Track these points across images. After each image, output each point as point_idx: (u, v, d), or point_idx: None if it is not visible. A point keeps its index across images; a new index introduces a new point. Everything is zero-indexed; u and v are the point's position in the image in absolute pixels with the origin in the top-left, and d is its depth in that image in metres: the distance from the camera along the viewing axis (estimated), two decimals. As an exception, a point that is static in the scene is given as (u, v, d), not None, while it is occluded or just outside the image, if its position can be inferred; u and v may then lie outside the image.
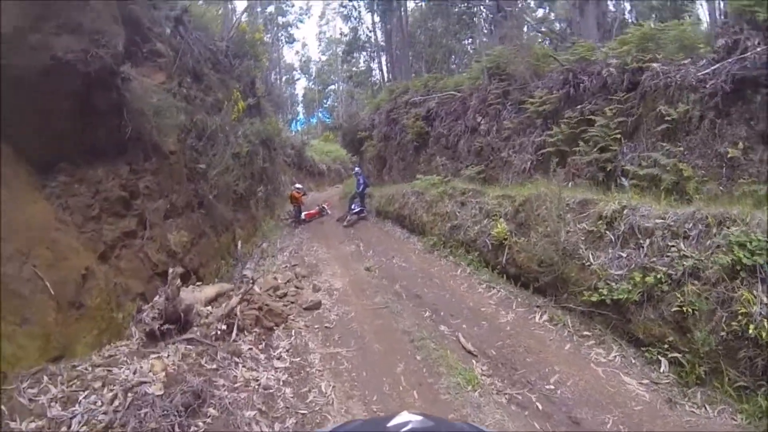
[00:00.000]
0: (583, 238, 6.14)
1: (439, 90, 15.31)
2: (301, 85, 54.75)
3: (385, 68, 31.72)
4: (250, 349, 5.68)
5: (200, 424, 3.75)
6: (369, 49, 35.37)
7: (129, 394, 3.72)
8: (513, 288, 7.24)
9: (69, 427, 3.48)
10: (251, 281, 6.63)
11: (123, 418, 3.51)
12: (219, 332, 5.59)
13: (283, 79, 45.46)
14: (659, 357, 4.72)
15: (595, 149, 7.93)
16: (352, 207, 15.58)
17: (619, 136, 7.66)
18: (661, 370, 4.62)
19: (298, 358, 5.63)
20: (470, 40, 26.15)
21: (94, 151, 6.00)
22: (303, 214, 16.85)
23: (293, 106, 51.39)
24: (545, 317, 6.21)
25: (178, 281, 5.40)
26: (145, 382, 3.88)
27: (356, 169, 17.33)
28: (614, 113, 7.81)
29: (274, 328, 6.47)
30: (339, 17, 42.56)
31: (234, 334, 5.82)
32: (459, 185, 10.39)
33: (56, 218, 5.31)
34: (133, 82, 6.42)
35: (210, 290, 7.04)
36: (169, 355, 4.95)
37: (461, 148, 13.03)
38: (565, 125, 8.74)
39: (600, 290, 5.43)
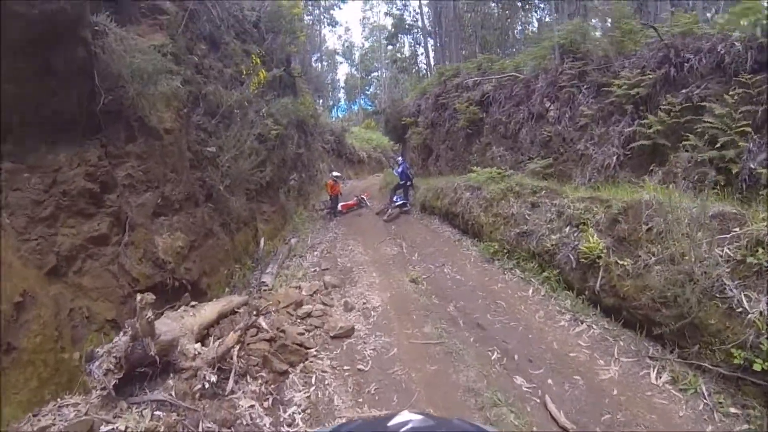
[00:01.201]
0: (728, 271, 4.16)
1: (496, 72, 13.26)
2: (342, 71, 53.33)
3: (431, 54, 29.88)
4: (251, 407, 4.03)
5: None
6: (415, 33, 33.61)
7: None
8: (610, 324, 5.31)
9: None
10: (255, 312, 4.99)
11: None
12: (207, 384, 3.96)
13: (325, 65, 43.92)
14: None
15: (712, 146, 5.96)
16: (395, 199, 13.88)
17: (748, 129, 5.65)
18: None
19: (317, 429, 3.94)
20: (527, 21, 23.85)
21: (53, 128, 4.45)
22: (339, 205, 15.37)
23: (334, 91, 50.00)
24: (665, 377, 4.28)
25: (149, 314, 3.78)
26: None
27: (399, 158, 15.38)
28: (737, 100, 5.84)
29: (289, 370, 4.81)
30: (383, 1, 41.21)
31: (231, 384, 4.20)
32: (527, 181, 8.40)
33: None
34: (109, 37, 4.81)
35: (209, 310, 5.44)
36: (127, 428, 3.36)
37: (523, 138, 11.03)
38: (665, 113, 6.85)
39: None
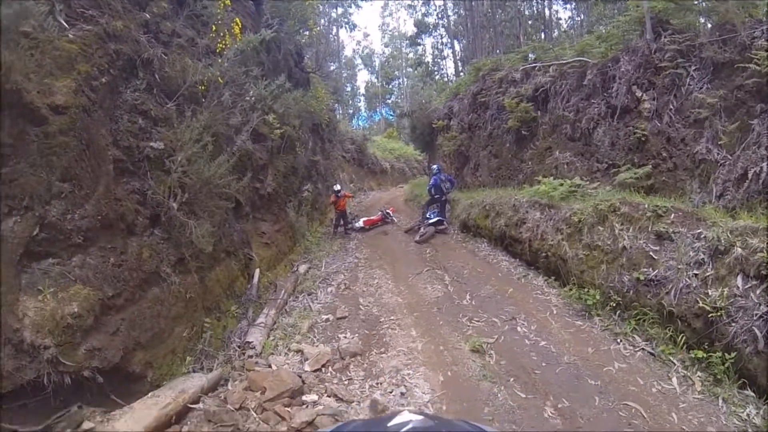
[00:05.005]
0: None
1: (552, 59, 10.59)
2: (362, 78, 51.12)
3: (458, 54, 27.53)
4: None
5: None
6: (438, 36, 31.29)
7: None
8: None
9: None
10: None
11: None
12: None
13: (344, 74, 41.74)
14: None
15: None
16: (428, 216, 11.31)
17: None
18: None
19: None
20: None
21: None
22: (362, 220, 13.32)
23: (354, 99, 47.79)
24: None
25: None
26: None
27: (434, 166, 12.62)
28: None
29: None
30: (403, 8, 39.39)
31: None
32: (638, 199, 5.70)
33: None
34: None
35: (127, 427, 2.94)
36: None
37: (599, 140, 8.36)
38: None
39: None
